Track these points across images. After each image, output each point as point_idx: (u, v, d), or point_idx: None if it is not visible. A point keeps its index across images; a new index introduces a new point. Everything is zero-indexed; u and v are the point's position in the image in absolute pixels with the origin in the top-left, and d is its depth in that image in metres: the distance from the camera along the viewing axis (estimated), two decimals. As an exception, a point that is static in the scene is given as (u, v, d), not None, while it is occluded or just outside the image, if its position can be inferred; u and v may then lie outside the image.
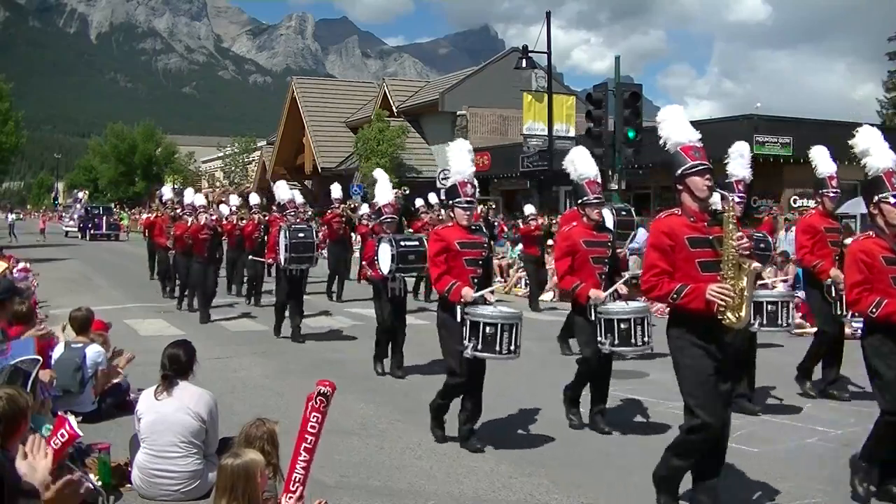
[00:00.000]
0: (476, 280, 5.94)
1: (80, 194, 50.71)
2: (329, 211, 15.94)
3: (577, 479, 5.27)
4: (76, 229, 41.91)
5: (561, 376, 8.46)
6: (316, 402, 3.84)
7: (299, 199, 12.84)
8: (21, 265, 14.58)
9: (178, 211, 16.24)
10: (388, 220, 8.69)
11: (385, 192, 8.90)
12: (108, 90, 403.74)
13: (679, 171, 4.47)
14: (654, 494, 4.62)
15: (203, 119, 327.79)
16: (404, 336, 8.74)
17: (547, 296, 16.05)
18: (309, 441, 3.84)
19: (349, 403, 7.02)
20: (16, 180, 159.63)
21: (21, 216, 71.84)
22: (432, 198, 16.61)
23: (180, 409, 4.79)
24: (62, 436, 3.87)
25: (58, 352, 6.45)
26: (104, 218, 40.86)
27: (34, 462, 3.02)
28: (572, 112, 24.96)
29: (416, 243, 8.48)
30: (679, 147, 4.54)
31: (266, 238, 14.51)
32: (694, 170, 4.44)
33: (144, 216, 38.54)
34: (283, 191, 11.98)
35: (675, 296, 4.32)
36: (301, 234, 10.34)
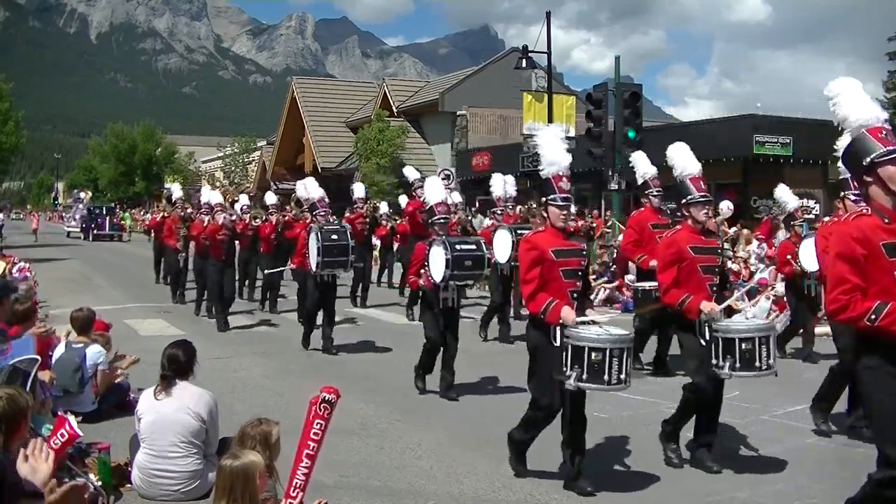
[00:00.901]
0: (575, 295, 5.16)
1: (83, 194, 50.39)
2: (352, 211, 14.79)
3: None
4: (78, 230, 41.29)
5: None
6: (320, 409, 3.85)
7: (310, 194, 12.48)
8: (20, 265, 14.57)
9: (189, 211, 15.63)
10: (441, 220, 7.82)
11: (436, 189, 8.08)
12: (108, 90, 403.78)
13: (869, 159, 3.62)
14: (654, 494, 4.60)
15: (203, 119, 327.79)
16: (455, 352, 7.83)
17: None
18: (311, 447, 3.85)
19: (349, 403, 7.01)
20: (16, 180, 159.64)
21: (21, 216, 71.82)
22: (456, 197, 15.73)
23: (180, 409, 4.79)
24: (62, 436, 3.88)
25: (58, 352, 6.46)
26: (107, 218, 40.14)
27: (36, 464, 3.02)
28: (572, 112, 24.95)
29: (474, 247, 7.85)
30: (865, 129, 3.70)
31: (279, 241, 13.96)
32: (890, 157, 3.60)
33: (149, 216, 38.15)
34: (314, 188, 11.15)
35: (872, 317, 3.53)
36: (334, 237, 9.47)
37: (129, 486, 4.92)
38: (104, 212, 41.25)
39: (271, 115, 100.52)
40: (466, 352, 9.96)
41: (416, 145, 35.77)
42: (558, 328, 4.92)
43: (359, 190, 14.80)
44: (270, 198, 15.52)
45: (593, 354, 4.77)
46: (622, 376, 4.83)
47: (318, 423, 3.87)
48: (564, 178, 5.19)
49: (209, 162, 59.88)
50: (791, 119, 21.88)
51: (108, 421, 6.43)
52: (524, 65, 21.71)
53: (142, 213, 52.26)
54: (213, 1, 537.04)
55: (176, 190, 17.34)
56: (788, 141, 20.33)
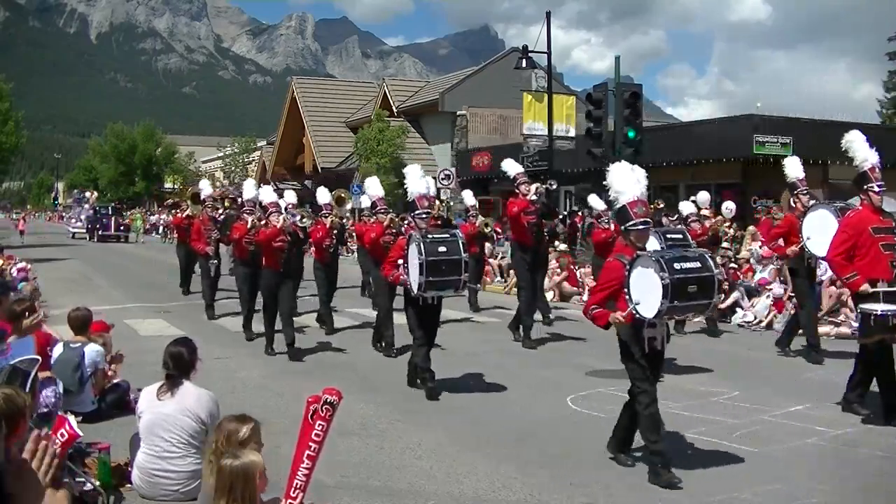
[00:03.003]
0: None
1: (88, 194, 49.91)
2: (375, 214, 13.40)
3: (578, 479, 5.27)
4: (84, 230, 40.31)
5: (561, 376, 8.48)
6: (322, 411, 3.84)
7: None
8: (20, 265, 14.57)
9: (221, 211, 14.18)
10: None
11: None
12: (108, 90, 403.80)
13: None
14: (653, 494, 4.60)
15: (203, 119, 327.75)
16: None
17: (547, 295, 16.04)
18: (312, 449, 3.83)
19: (349, 403, 6.98)
20: (16, 180, 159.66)
21: (21, 215, 71.71)
22: (469, 199, 14.87)
23: (180, 409, 4.78)
24: (62, 436, 3.87)
25: (57, 351, 6.45)
26: (112, 219, 39.09)
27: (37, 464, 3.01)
28: (572, 112, 24.95)
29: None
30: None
31: (335, 247, 12.14)
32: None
33: (169, 216, 36.99)
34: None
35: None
36: (443, 249, 7.45)
37: (129, 486, 4.92)
38: (110, 212, 40.21)
39: (271, 115, 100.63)
40: (467, 352, 9.97)
41: (416, 145, 35.79)
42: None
43: (374, 188, 11.28)
44: (324, 195, 12.32)
45: None
46: None
47: (319, 425, 3.86)
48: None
49: (209, 162, 59.93)
50: (791, 119, 21.89)
51: (108, 421, 6.43)
52: (524, 65, 21.71)
53: (152, 213, 52.08)
54: (213, 1, 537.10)
55: (206, 187, 15.22)
56: (788, 141, 20.33)
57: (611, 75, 18.89)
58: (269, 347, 9.68)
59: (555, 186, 10.92)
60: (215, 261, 13.19)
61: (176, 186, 61.69)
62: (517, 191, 10.40)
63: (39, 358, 4.95)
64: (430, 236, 7.54)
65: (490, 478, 5.31)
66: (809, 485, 5.21)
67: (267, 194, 10.23)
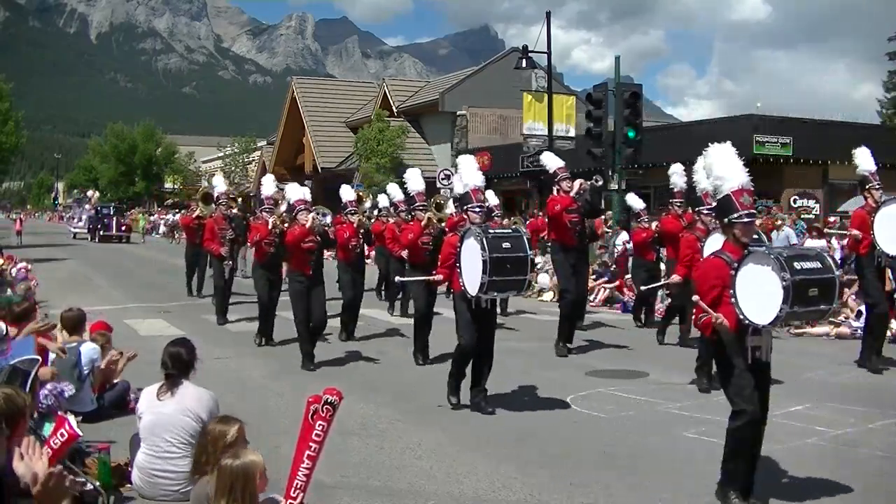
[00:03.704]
0: None
1: (90, 193, 49.45)
2: (410, 212, 11.95)
3: (577, 479, 5.27)
4: (85, 231, 39.64)
5: (560, 376, 8.48)
6: (322, 411, 3.84)
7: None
8: (21, 265, 14.58)
9: (231, 210, 13.27)
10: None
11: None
12: (108, 90, 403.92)
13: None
14: (653, 494, 4.60)
15: (203, 119, 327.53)
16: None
17: (547, 295, 16.06)
18: (313, 449, 3.83)
19: (349, 403, 6.98)
20: (16, 180, 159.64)
21: (21, 215, 71.70)
22: (492, 198, 12.78)
23: (180, 410, 4.78)
24: (62, 436, 3.88)
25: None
26: (114, 219, 38.41)
27: (31, 463, 3.01)
28: (572, 112, 24.96)
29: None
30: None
31: (362, 247, 11.17)
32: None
33: (177, 215, 36.36)
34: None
35: None
36: (507, 245, 6.77)
37: (129, 486, 4.92)
38: (111, 212, 39.39)
39: (271, 115, 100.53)
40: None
41: (416, 145, 35.80)
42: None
43: (416, 179, 10.17)
44: (347, 192, 11.03)
45: None
46: None
47: (320, 425, 3.87)
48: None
49: (209, 162, 59.93)
50: (791, 119, 21.91)
51: (108, 421, 6.43)
52: (524, 65, 21.72)
53: (152, 213, 52.00)
54: (213, 1, 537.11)
55: (220, 184, 14.06)
56: (788, 141, 20.36)
57: (611, 75, 18.91)
58: (310, 363, 8.84)
59: (601, 182, 10.01)
60: (230, 262, 12.45)
61: (176, 186, 61.74)
62: (558, 187, 9.64)
63: (39, 358, 4.96)
64: (491, 231, 6.88)
65: (490, 478, 5.31)
66: (809, 485, 5.21)
67: (294, 191, 9.36)
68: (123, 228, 38.24)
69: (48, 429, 4.26)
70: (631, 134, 16.74)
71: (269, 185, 10.58)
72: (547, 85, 22.12)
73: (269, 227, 9.94)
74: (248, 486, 3.39)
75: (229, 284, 12.40)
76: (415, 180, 9.83)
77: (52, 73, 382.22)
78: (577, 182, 9.56)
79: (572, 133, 24.11)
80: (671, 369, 8.91)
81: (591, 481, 5.24)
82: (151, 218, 48.73)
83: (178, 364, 4.90)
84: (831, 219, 18.49)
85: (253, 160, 50.14)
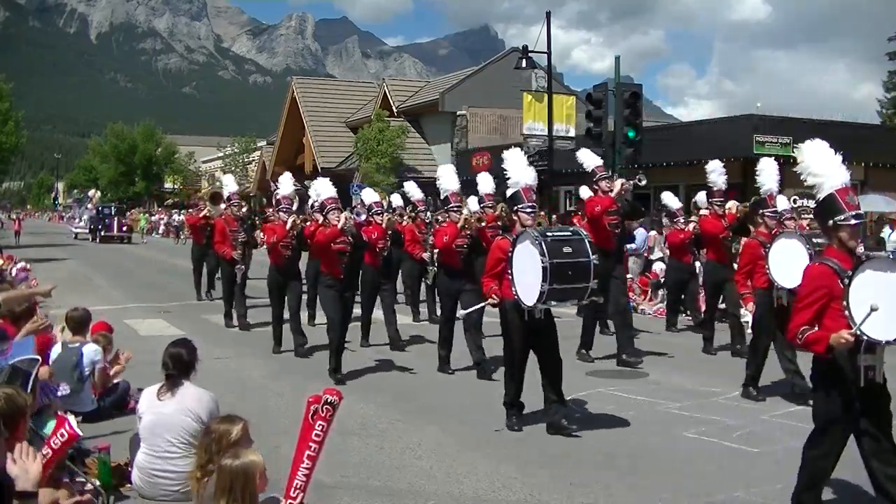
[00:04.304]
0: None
1: (91, 193, 49.16)
2: (444, 211, 11.20)
3: (577, 479, 5.27)
4: (87, 231, 39.31)
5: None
6: (322, 411, 3.84)
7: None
8: (20, 265, 14.58)
9: (242, 209, 12.41)
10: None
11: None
12: (108, 90, 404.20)
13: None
14: (654, 494, 4.59)
15: (203, 119, 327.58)
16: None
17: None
18: (313, 449, 3.84)
19: (349, 403, 6.98)
20: (16, 180, 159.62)
21: (22, 216, 71.69)
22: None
23: (180, 410, 4.78)
24: (62, 436, 3.88)
25: (55, 352, 6.44)
26: (115, 219, 37.80)
27: (25, 465, 3.02)
28: (572, 112, 24.96)
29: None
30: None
31: (390, 250, 10.72)
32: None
33: (181, 215, 35.90)
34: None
35: None
36: (568, 249, 6.04)
37: (129, 486, 4.92)
38: (112, 212, 39.08)
39: (271, 115, 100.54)
40: (466, 352, 9.98)
41: (416, 145, 35.81)
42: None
43: (486, 182, 9.39)
44: (371, 195, 11.02)
45: None
46: None
47: (319, 425, 3.87)
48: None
49: (209, 162, 59.96)
50: (791, 119, 21.90)
51: (108, 421, 6.43)
52: (524, 65, 21.71)
53: (152, 213, 51.97)
54: (213, 1, 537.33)
55: (231, 183, 13.05)
56: (788, 141, 20.33)
57: (611, 75, 18.88)
58: (338, 373, 8.18)
59: (644, 182, 9.15)
60: (242, 266, 11.68)
61: (176, 186, 61.78)
62: (596, 187, 9.03)
63: (39, 358, 4.96)
64: (549, 234, 6.19)
65: (490, 478, 5.31)
66: (809, 485, 5.20)
67: (325, 188, 8.75)
68: (125, 229, 38.11)
69: (49, 428, 4.26)
70: (631, 134, 16.72)
71: (286, 184, 9.90)
72: (547, 85, 22.12)
73: (287, 227, 9.49)
74: (248, 486, 3.39)
75: (242, 289, 11.72)
76: (448, 179, 8.99)
77: (52, 73, 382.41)
78: (619, 182, 8.98)
79: (572, 133, 24.11)
80: (671, 369, 8.92)
81: (591, 481, 5.24)
82: (153, 218, 48.74)
83: (179, 365, 4.90)
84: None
85: (253, 160, 50.15)
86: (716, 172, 10.06)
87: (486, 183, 9.29)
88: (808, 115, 22.66)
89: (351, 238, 8.39)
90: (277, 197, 10.00)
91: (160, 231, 45.36)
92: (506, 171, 6.67)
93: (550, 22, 20.87)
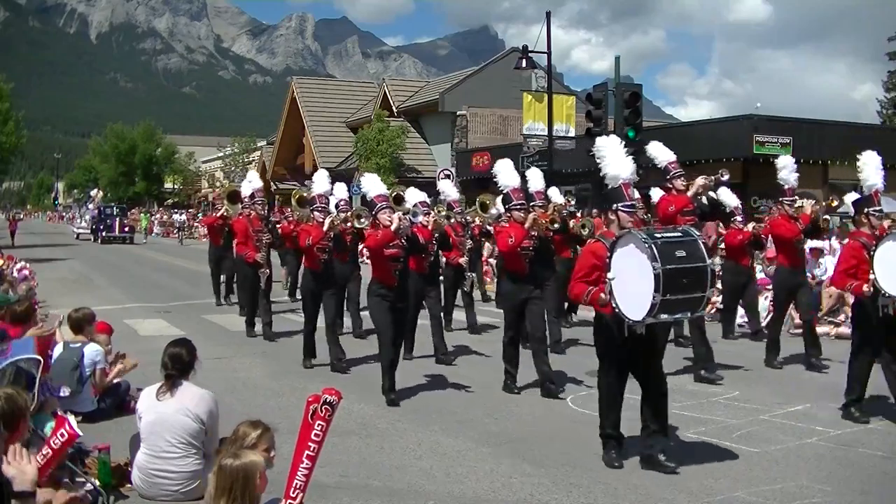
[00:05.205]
0: None
1: (94, 192, 48.81)
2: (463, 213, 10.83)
3: (577, 479, 5.27)
4: (88, 231, 39.07)
5: (561, 376, 8.47)
6: (321, 411, 3.84)
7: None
8: (20, 265, 14.58)
9: (261, 210, 11.24)
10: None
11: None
12: (108, 90, 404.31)
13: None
14: (654, 494, 4.59)
15: (203, 119, 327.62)
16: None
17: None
18: (312, 449, 3.84)
19: (349, 403, 7.00)
20: (16, 180, 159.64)
21: (22, 216, 71.72)
22: (556, 196, 10.79)
23: (180, 410, 4.78)
24: (62, 436, 3.88)
25: (56, 352, 6.45)
26: (117, 219, 37.45)
27: (21, 466, 3.02)
28: (572, 112, 24.95)
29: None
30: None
31: (437, 255, 9.76)
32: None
33: (183, 215, 35.67)
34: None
35: None
36: (681, 254, 5.18)
37: (129, 486, 4.92)
38: (115, 212, 38.82)
39: (271, 115, 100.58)
40: (466, 352, 9.97)
41: (416, 145, 35.80)
42: None
43: (537, 180, 8.71)
44: (416, 194, 8.78)
45: None
46: None
47: (318, 425, 3.87)
48: None
49: (209, 162, 59.95)
50: (791, 119, 21.92)
51: (108, 421, 6.44)
52: (524, 65, 21.69)
53: (152, 213, 51.95)
54: (213, 1, 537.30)
55: (254, 179, 11.86)
56: (788, 141, 20.35)
57: (611, 75, 18.89)
58: (392, 393, 7.35)
59: (726, 177, 8.09)
60: (266, 270, 10.79)
61: (176, 186, 61.78)
62: (670, 185, 8.22)
63: (41, 359, 4.96)
64: (659, 235, 5.27)
65: (490, 478, 5.31)
66: (809, 485, 5.21)
67: (374, 185, 7.68)
68: (127, 229, 37.82)
69: (49, 428, 4.26)
70: (631, 134, 16.71)
71: (322, 182, 8.98)
72: (547, 85, 22.10)
73: (325, 228, 8.58)
74: (248, 487, 3.38)
75: (267, 294, 10.84)
76: (508, 175, 7.92)
77: (52, 73, 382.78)
78: (701, 179, 8.03)
79: (572, 133, 24.10)
80: (671, 369, 8.90)
81: (591, 481, 5.24)
82: (153, 218, 48.76)
83: (179, 365, 4.90)
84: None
85: (253, 160, 50.16)
86: (787, 169, 9.13)
87: (536, 179, 8.50)
88: (808, 115, 22.68)
89: (405, 241, 7.46)
90: (310, 196, 9.09)
91: (156, 230, 45.44)
92: (601, 162, 5.70)
93: (550, 22, 20.86)
